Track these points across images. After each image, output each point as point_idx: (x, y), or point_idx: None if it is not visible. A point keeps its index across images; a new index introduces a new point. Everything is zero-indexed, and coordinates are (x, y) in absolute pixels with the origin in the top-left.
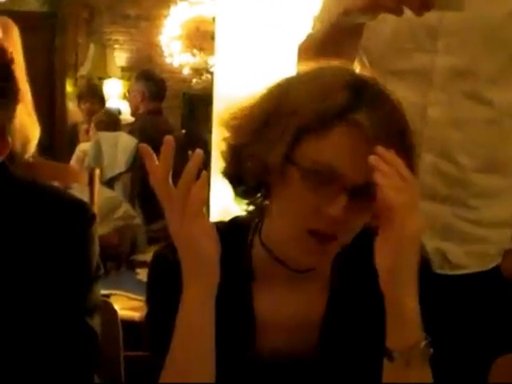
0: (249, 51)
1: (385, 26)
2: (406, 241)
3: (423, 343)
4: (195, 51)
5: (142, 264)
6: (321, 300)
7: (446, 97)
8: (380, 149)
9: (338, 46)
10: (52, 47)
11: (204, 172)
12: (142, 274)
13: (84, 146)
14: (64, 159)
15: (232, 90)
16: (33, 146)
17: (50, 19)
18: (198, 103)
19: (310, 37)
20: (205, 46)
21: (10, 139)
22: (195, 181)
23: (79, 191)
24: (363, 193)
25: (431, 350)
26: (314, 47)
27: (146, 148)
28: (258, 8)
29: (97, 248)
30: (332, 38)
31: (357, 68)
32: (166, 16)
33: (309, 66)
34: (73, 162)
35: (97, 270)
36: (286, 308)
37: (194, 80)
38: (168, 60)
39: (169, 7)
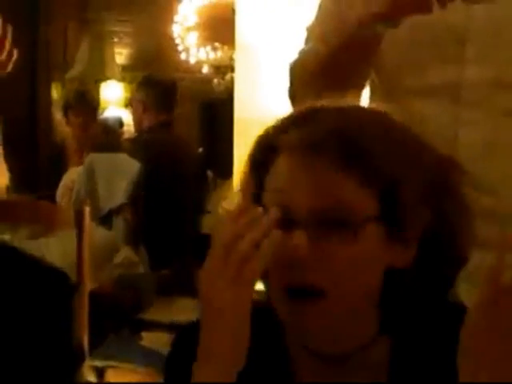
0: (277, 44)
1: (399, 32)
2: None
3: None
4: (216, 44)
5: (149, 325)
6: None
7: (480, 116)
8: None
9: (347, 66)
10: (33, 41)
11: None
12: (149, 340)
13: (74, 172)
14: (49, 190)
15: (257, 93)
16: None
17: (31, 6)
18: (221, 110)
19: (306, 54)
20: (228, 37)
21: None
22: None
23: (66, 235)
24: (326, 221)
25: None
26: (315, 70)
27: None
28: None
29: (77, 325)
30: (340, 58)
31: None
32: (179, 0)
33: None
34: (59, 195)
35: (78, 355)
36: None
37: (216, 80)
38: (182, 56)
39: None
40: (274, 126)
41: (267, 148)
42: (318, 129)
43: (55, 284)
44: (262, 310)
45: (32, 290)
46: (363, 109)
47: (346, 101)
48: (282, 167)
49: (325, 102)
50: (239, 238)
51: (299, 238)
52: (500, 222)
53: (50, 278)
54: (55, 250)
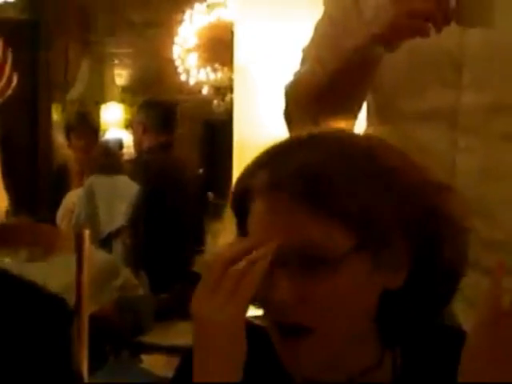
0: (275, 65)
1: (397, 55)
2: None
3: None
4: (216, 66)
5: (149, 348)
6: None
7: (478, 141)
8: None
9: (343, 89)
10: (34, 64)
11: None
12: (149, 363)
13: (75, 195)
14: (49, 212)
15: (255, 114)
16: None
17: (32, 28)
18: (221, 131)
19: (302, 76)
20: (228, 58)
21: None
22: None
23: (66, 258)
24: (303, 260)
25: None
26: (311, 92)
27: None
28: (284, 12)
29: (77, 348)
30: (336, 81)
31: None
32: (179, 22)
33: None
34: (60, 217)
35: (77, 379)
36: None
37: (216, 102)
38: (182, 77)
39: (183, 11)
40: (246, 169)
41: (243, 192)
42: (282, 169)
43: (53, 311)
44: (261, 328)
45: (30, 317)
46: (341, 139)
47: (337, 126)
48: (255, 210)
49: (313, 130)
50: (236, 260)
51: (278, 280)
52: (497, 247)
53: (48, 305)
54: (55, 272)
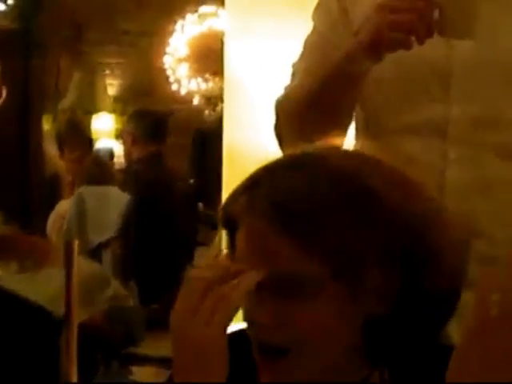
0: (266, 76)
1: (384, 69)
2: None
3: None
4: (207, 76)
5: (140, 360)
6: None
7: (468, 154)
8: None
9: (332, 99)
10: (25, 73)
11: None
12: (139, 374)
13: (67, 204)
14: (41, 223)
15: (246, 125)
16: None
17: (24, 38)
18: (212, 141)
19: (292, 90)
20: (219, 68)
21: None
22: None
23: (55, 269)
24: (280, 285)
25: None
26: (301, 102)
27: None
28: (276, 23)
29: (66, 359)
30: (325, 91)
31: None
32: (170, 32)
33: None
34: (50, 222)
35: None
36: None
37: (207, 111)
38: (174, 87)
39: (175, 21)
40: (231, 194)
41: (229, 216)
42: (258, 196)
43: (38, 324)
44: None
45: (16, 329)
46: (326, 161)
47: (330, 143)
48: (239, 235)
49: (305, 148)
50: (219, 282)
51: (260, 302)
52: (490, 262)
53: (35, 317)
54: (44, 284)
